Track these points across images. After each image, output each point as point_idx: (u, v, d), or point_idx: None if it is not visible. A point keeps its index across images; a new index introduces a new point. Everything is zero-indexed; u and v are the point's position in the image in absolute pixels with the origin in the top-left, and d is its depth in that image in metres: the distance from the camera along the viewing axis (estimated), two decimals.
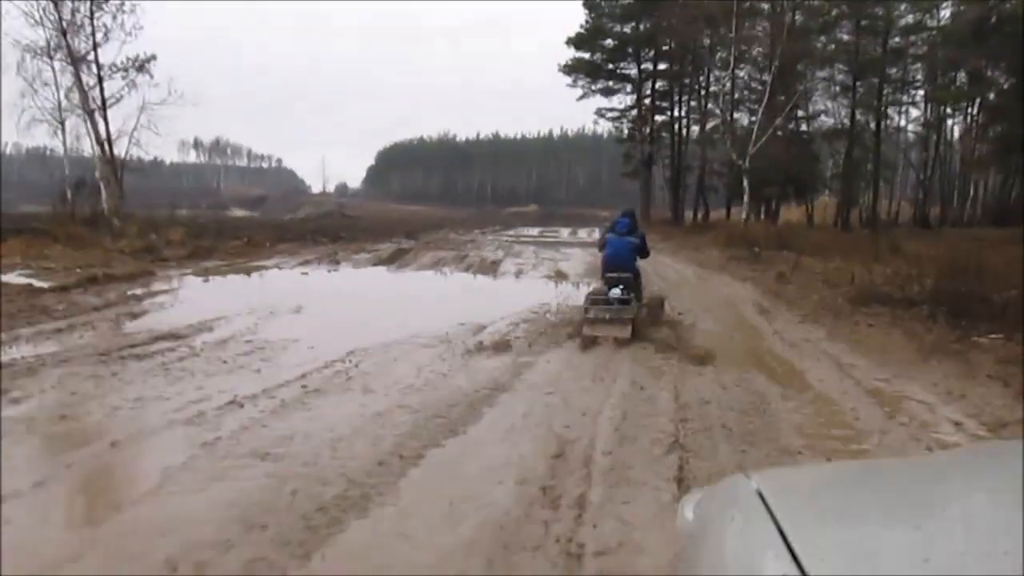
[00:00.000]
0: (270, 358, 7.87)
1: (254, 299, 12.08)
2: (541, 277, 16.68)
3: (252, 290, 13.87)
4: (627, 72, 41.50)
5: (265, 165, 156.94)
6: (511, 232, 39.65)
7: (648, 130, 41.34)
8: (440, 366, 7.52)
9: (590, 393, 6.44)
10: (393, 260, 19.10)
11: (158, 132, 21.23)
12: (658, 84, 42.31)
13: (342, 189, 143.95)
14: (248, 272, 16.45)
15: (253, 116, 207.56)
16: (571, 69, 40.05)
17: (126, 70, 20.70)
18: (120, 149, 21.42)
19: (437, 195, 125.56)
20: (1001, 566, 0.91)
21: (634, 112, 42.03)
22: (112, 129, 20.99)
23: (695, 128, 42.34)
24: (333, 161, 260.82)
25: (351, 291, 14.16)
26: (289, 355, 8.06)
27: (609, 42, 40.45)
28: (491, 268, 17.98)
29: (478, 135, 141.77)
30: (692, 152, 42.98)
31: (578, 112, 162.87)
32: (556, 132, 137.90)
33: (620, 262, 9.82)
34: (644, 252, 10.31)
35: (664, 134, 43.46)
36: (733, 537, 1.21)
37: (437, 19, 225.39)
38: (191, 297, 12.75)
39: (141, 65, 20.94)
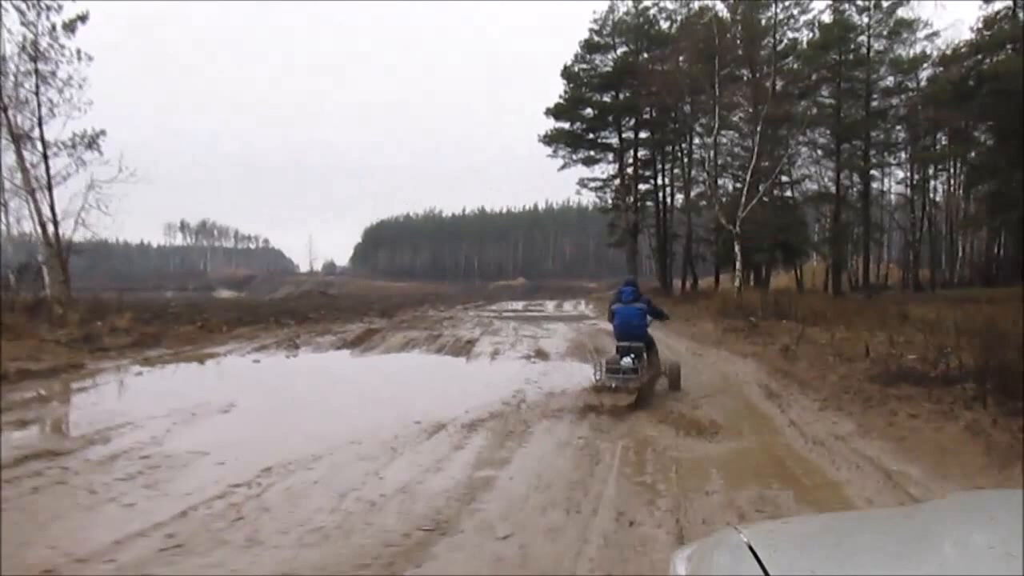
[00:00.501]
0: (157, 483, 6.09)
1: (184, 395, 10.34)
2: (519, 357, 14.94)
3: (186, 384, 12.04)
4: (608, 141, 40.53)
5: (252, 246, 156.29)
6: (494, 307, 38.00)
7: (632, 199, 40.17)
8: (370, 490, 5.74)
9: (561, 536, 4.66)
10: (360, 342, 17.33)
11: (107, 211, 19.50)
12: (640, 152, 41.35)
13: (330, 267, 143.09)
14: (198, 361, 14.69)
15: (239, 198, 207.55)
16: (551, 139, 39.00)
17: (74, 146, 19.20)
18: (67, 230, 19.68)
19: (424, 271, 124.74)
20: None
21: (617, 181, 40.92)
22: (58, 209, 19.33)
23: (680, 196, 41.39)
24: (320, 240, 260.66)
25: (300, 382, 12.34)
26: (185, 477, 6.28)
27: (589, 111, 39.52)
28: (464, 349, 16.21)
29: (464, 210, 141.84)
30: (677, 220, 41.88)
31: (563, 184, 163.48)
32: (541, 205, 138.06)
33: (631, 330, 9.91)
34: (658, 314, 10.51)
35: (648, 202, 42.39)
36: None
37: (418, 94, 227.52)
38: (108, 396, 10.95)
39: (91, 141, 19.46)
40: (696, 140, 39.63)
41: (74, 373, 12.58)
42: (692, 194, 40.49)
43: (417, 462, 6.72)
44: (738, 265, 28.95)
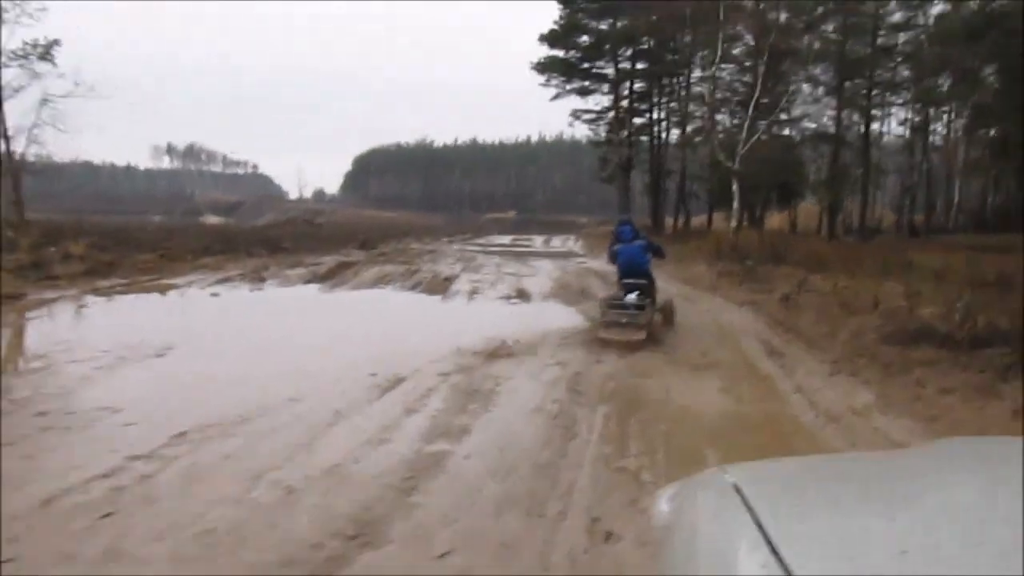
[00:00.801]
0: (39, 452, 5.03)
1: (121, 334, 9.24)
2: (498, 298, 13.84)
3: (128, 321, 10.91)
4: (604, 72, 38.65)
5: (241, 171, 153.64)
6: (480, 240, 36.80)
7: (626, 133, 38.54)
8: (292, 471, 4.67)
9: (520, 548, 3.61)
10: (330, 277, 16.16)
11: (63, 129, 17.99)
12: (636, 85, 39.52)
13: (319, 195, 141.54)
14: (151, 293, 13.55)
15: (228, 121, 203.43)
16: (544, 67, 36.97)
17: (25, 56, 17.59)
18: (19, 147, 18.18)
19: (416, 201, 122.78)
20: (976, 558, 0.91)
21: (611, 114, 39.22)
22: (9, 125, 17.81)
23: (675, 131, 39.86)
24: (311, 167, 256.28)
25: (254, 322, 11.20)
26: (79, 444, 5.23)
27: (585, 39, 37.48)
28: (441, 287, 15.06)
29: (456, 140, 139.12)
30: (671, 156, 40.41)
31: (557, 116, 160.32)
32: (535, 138, 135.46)
33: (635, 267, 10.06)
34: (658, 252, 10.70)
35: (643, 137, 40.77)
36: (709, 530, 1.17)
37: (413, 20, 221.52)
38: (36, 333, 9.85)
39: (44, 52, 17.83)
40: (695, 73, 37.99)
41: (9, 304, 11.41)
42: (688, 129, 39.02)
43: (360, 429, 5.65)
44: (735, 204, 27.67)
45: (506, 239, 39.84)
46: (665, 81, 39.19)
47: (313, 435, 5.46)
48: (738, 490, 1.17)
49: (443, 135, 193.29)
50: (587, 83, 38.91)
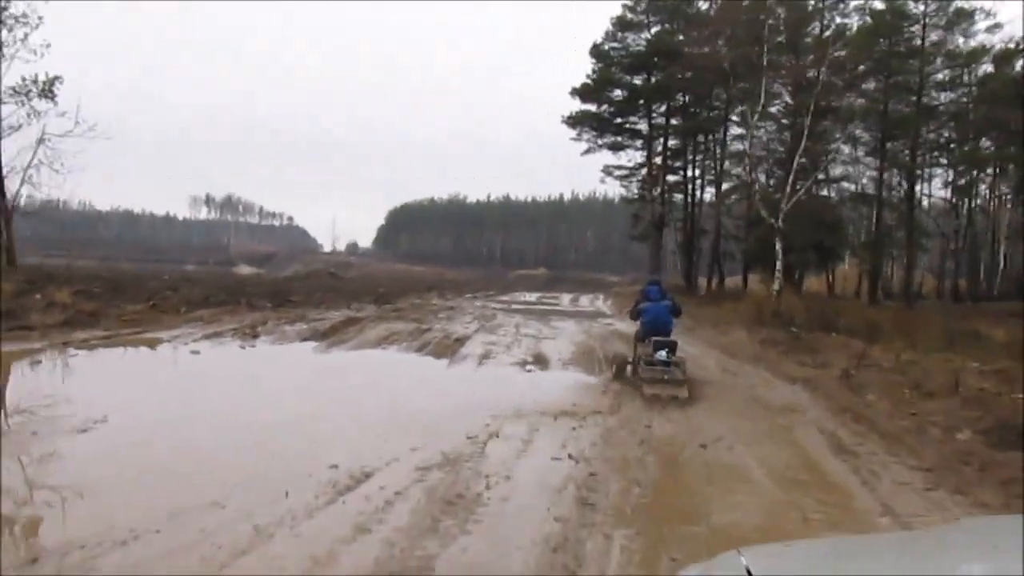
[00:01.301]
0: None
1: (59, 398, 7.82)
2: (513, 363, 12.18)
3: (80, 380, 9.43)
4: (637, 127, 37.40)
5: (277, 223, 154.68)
6: (505, 297, 35.16)
7: (659, 190, 37.11)
8: None
9: None
10: (331, 334, 14.58)
11: (60, 170, 16.86)
12: (671, 141, 38.21)
13: (352, 248, 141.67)
14: (133, 347, 12.13)
15: (265, 174, 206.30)
16: (576, 121, 35.78)
17: (25, 94, 16.58)
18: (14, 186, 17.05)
19: (446, 256, 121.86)
20: None
21: (644, 170, 37.87)
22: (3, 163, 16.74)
23: (710, 190, 38.36)
24: (345, 220, 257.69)
25: (222, 387, 9.63)
26: None
27: (618, 94, 36.33)
28: (450, 349, 13.41)
29: (489, 197, 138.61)
30: (706, 215, 38.83)
31: (589, 174, 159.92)
32: (567, 195, 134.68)
33: (662, 326, 10.55)
34: (677, 312, 11.18)
35: (676, 195, 39.29)
36: None
37: (448, 78, 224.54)
38: None
39: (45, 89, 16.82)
40: (732, 131, 36.64)
41: None
42: (723, 187, 37.57)
43: (282, 558, 4.02)
44: (778, 265, 25.79)
45: (532, 296, 38.17)
46: (700, 138, 37.83)
47: (211, 567, 3.85)
48: (749, 573, 1.18)
49: (476, 191, 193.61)
50: (620, 138, 37.70)
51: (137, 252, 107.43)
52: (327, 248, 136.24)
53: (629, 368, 10.73)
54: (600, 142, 36.80)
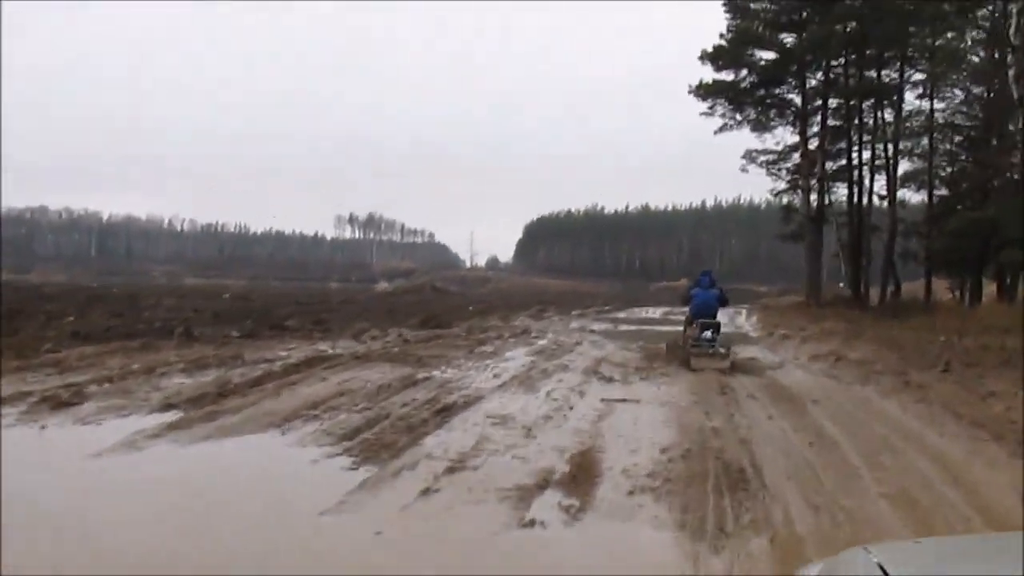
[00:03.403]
0: None
1: None
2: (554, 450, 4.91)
3: None
4: (787, 99, 28.77)
5: (418, 240, 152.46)
6: (622, 314, 27.57)
7: (816, 176, 28.33)
8: None
9: None
10: (222, 398, 7.69)
11: None
12: (830, 120, 29.22)
13: (493, 262, 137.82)
14: None
15: (405, 192, 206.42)
16: (707, 91, 27.52)
17: None
18: None
19: (584, 269, 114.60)
20: None
21: (797, 154, 29.19)
22: None
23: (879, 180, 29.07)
24: (484, 235, 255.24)
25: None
26: None
27: (761, 58, 27.79)
28: (404, 440, 6.24)
29: (627, 207, 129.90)
30: (877, 210, 29.69)
31: (732, 180, 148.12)
32: (709, 203, 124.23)
33: (708, 310, 11.74)
34: (724, 302, 12.39)
35: (838, 184, 30.25)
36: None
37: (585, 86, 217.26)
38: None
39: None
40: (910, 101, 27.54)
41: None
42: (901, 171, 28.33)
43: None
44: None
45: (658, 312, 30.22)
46: (868, 111, 28.73)
47: None
48: (884, 571, 1.09)
49: (613, 201, 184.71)
50: (763, 116, 29.09)
51: (288, 271, 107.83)
52: (468, 264, 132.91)
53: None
54: (738, 117, 28.34)
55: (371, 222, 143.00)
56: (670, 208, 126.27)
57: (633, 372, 10.45)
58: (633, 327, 20.96)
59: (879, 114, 28.66)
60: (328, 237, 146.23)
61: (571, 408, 7.55)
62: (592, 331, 18.55)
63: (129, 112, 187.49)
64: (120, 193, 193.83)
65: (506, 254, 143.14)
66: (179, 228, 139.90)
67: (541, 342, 14.84)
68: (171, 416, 6.89)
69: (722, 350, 10.90)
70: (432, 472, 5.23)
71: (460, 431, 6.48)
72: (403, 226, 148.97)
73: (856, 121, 29.01)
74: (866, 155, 29.32)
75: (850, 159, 29.47)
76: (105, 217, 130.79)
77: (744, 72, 27.72)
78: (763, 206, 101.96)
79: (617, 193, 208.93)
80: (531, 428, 6.58)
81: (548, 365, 10.89)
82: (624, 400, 8.13)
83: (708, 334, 11.20)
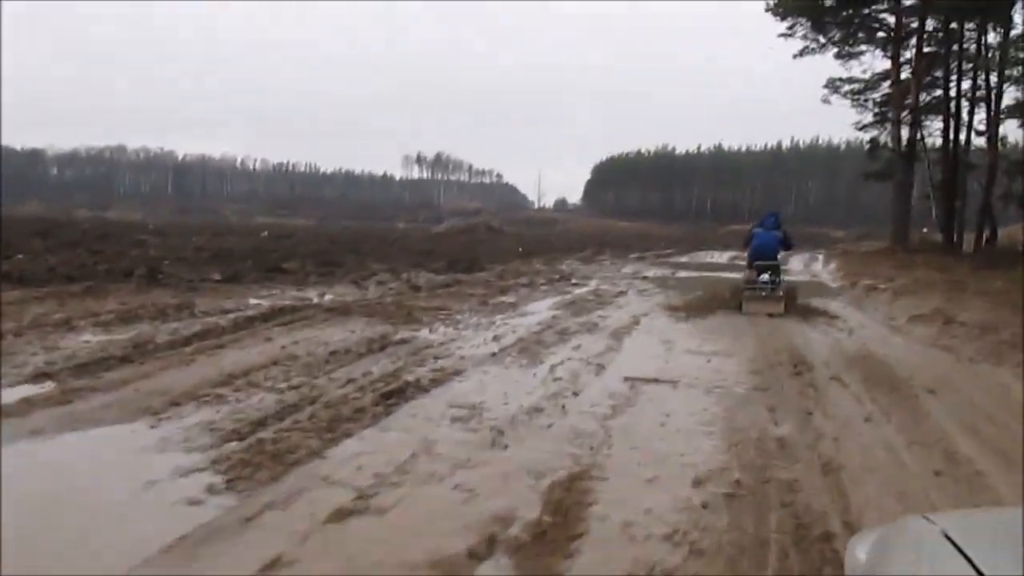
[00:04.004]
0: None
1: None
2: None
3: None
4: (878, 19, 25.16)
5: (487, 180, 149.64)
6: (684, 258, 25.04)
7: (909, 110, 24.86)
8: None
9: None
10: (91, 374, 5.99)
11: None
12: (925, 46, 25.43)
13: (561, 204, 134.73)
14: None
15: (475, 131, 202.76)
16: (786, 10, 24.26)
17: None
18: None
19: (654, 211, 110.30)
20: None
21: (888, 82, 25.68)
22: None
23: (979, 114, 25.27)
24: (553, 176, 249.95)
25: None
26: None
27: None
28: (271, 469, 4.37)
29: (699, 148, 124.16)
30: (975, 149, 26.00)
31: (810, 120, 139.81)
32: (786, 144, 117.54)
33: (767, 252, 10.99)
34: (788, 245, 11.70)
35: (931, 118, 26.64)
36: None
37: (656, 25, 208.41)
38: None
39: None
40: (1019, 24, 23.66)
41: None
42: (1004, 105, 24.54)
43: None
44: None
45: (725, 256, 27.54)
46: (970, 36, 24.89)
47: None
48: (950, 539, 1.03)
49: (685, 141, 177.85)
50: (848, 44, 25.56)
51: (357, 210, 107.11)
52: (536, 205, 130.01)
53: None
54: (821, 39, 24.93)
55: (439, 162, 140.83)
56: (744, 149, 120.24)
57: (679, 335, 8.23)
58: (693, 273, 18.55)
59: (983, 38, 24.81)
60: (396, 177, 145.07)
61: (577, 394, 5.42)
62: (645, 277, 16.27)
63: (204, 64, 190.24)
64: (195, 136, 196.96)
65: (575, 196, 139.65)
66: (252, 167, 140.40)
67: (579, 291, 12.69)
68: (33, 390, 5.09)
69: (779, 292, 10.42)
70: (309, 515, 3.22)
71: (398, 431, 4.45)
72: (471, 166, 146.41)
73: (956, 47, 25.25)
74: (965, 85, 25.59)
75: (947, 89, 25.83)
76: (180, 157, 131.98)
77: None
78: (842, 147, 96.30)
79: (690, 132, 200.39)
80: (505, 429, 4.49)
81: (572, 323, 8.73)
82: (656, 380, 5.95)
83: (766, 276, 10.66)
